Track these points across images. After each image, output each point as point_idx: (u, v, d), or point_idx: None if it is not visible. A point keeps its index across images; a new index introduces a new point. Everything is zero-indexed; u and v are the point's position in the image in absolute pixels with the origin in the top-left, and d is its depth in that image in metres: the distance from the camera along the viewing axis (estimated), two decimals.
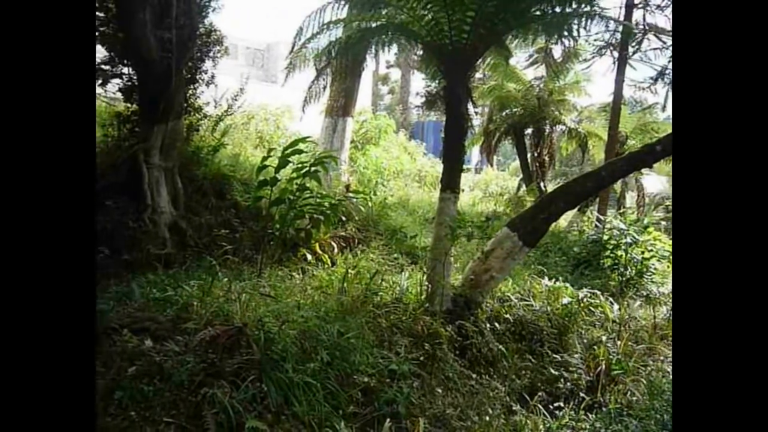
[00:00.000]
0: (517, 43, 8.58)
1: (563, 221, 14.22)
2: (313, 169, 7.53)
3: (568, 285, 7.71)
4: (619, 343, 6.53)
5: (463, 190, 9.77)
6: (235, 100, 11.51)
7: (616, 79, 13.24)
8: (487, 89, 16.37)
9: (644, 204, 17.36)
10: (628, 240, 9.66)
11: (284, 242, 8.33)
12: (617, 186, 16.33)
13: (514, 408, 5.04)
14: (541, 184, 16.54)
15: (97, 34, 9.42)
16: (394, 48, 7.72)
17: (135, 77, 9.54)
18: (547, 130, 17.14)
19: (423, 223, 12.57)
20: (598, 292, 7.70)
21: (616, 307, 7.66)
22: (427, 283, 6.48)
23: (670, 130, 10.50)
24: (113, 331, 4.45)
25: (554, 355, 6.22)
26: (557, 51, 16.32)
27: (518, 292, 7.42)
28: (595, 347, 6.38)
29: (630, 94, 17.49)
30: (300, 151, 7.59)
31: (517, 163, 21.48)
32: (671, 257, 9.79)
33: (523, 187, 17.44)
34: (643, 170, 15.59)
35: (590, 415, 4.94)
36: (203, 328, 4.32)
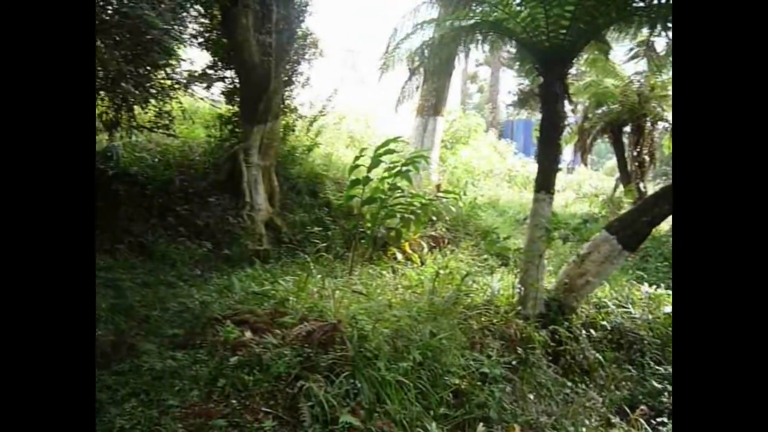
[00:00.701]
0: (617, 36, 8.19)
1: (665, 224, 13.42)
2: (404, 168, 7.57)
3: (671, 293, 7.27)
4: None
5: (557, 191, 9.47)
6: (329, 101, 11.79)
7: None
8: (584, 86, 15.73)
9: None
10: None
11: (375, 241, 8.43)
12: None
13: (612, 420, 4.81)
14: (641, 185, 15.68)
15: (202, 40, 10.00)
16: (486, 46, 7.61)
17: (237, 80, 10.03)
18: (648, 128, 16.22)
19: (514, 224, 12.30)
20: None
21: None
22: (519, 285, 6.33)
23: None
24: (216, 322, 4.70)
25: (657, 367, 5.88)
26: (660, 44, 15.41)
27: (616, 299, 7.08)
28: None
29: None
30: (392, 151, 7.65)
31: (611, 162, 20.47)
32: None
33: (620, 188, 16.61)
34: None
35: None
36: (299, 323, 4.46)
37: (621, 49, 18.57)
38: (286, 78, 10.32)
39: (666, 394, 5.41)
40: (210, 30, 9.89)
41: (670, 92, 15.71)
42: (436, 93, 13.35)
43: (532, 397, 4.88)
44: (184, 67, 9.45)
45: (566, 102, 6.72)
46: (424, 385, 4.19)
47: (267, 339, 4.26)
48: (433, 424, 3.86)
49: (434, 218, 9.91)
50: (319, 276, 6.08)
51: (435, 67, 7.91)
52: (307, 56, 10.79)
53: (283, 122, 10.57)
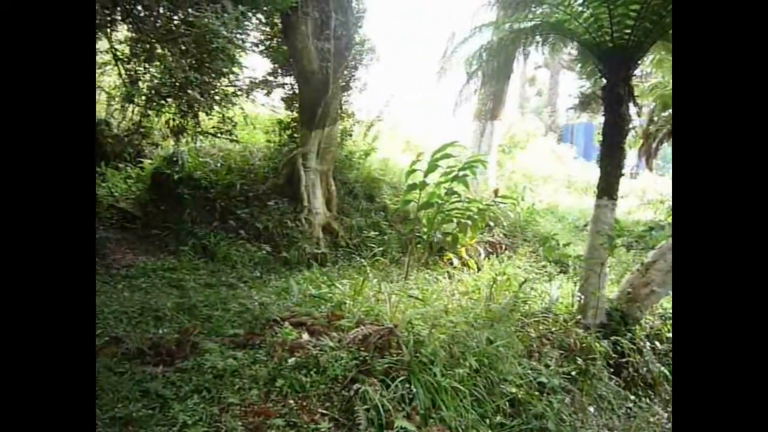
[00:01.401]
0: None
1: None
2: (461, 173, 7.52)
3: None
4: None
5: (620, 197, 9.16)
6: (386, 105, 11.86)
7: None
8: (649, 87, 15.19)
9: None
10: None
11: (431, 246, 8.40)
12: None
13: None
14: None
15: (263, 48, 10.27)
16: (546, 48, 7.47)
17: (296, 86, 10.24)
18: None
19: (573, 230, 11.99)
20: None
21: None
22: (579, 294, 6.16)
23: None
24: (275, 323, 4.80)
25: None
26: None
27: None
28: None
29: None
30: (449, 156, 7.61)
31: None
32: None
33: None
34: None
35: None
36: (355, 327, 4.49)
37: None
38: (344, 83, 10.45)
39: None
40: (271, 38, 10.15)
41: None
42: (494, 97, 13.20)
43: (592, 409, 4.73)
44: (246, 74, 9.73)
45: (631, 104, 6.50)
46: (480, 392, 4.14)
47: (324, 341, 4.31)
48: None
49: (491, 224, 9.79)
50: (376, 280, 6.10)
51: (493, 70, 7.83)
52: (364, 62, 10.89)
53: (341, 127, 10.70)
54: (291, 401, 3.70)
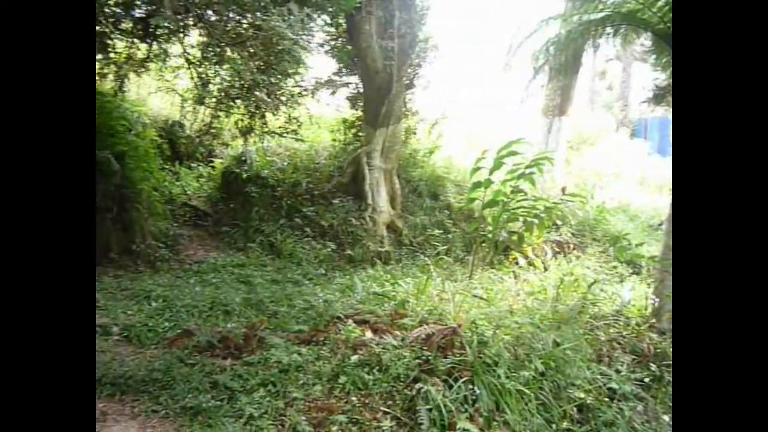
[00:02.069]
0: None
1: None
2: (527, 170, 7.34)
3: None
4: None
5: None
6: (450, 103, 11.76)
7: None
8: None
9: None
10: None
11: (496, 245, 8.26)
12: None
13: None
14: None
15: (328, 48, 10.41)
16: (618, 40, 7.17)
17: (360, 85, 10.32)
18: None
19: (647, 230, 11.47)
20: None
21: None
22: (653, 296, 5.88)
23: None
24: (339, 320, 4.85)
25: None
26: None
27: None
28: None
29: None
30: (514, 153, 7.45)
31: None
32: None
33: None
34: None
35: None
36: (419, 326, 4.47)
37: None
38: (408, 81, 10.43)
39: None
40: (335, 38, 10.27)
41: None
42: (562, 91, 12.82)
43: (666, 418, 4.50)
44: (311, 74, 9.89)
45: None
46: (546, 396, 4.02)
47: (387, 340, 4.32)
48: None
49: (559, 222, 9.51)
50: (439, 279, 6.06)
51: (560, 64, 7.58)
52: (428, 59, 10.84)
53: (405, 125, 10.70)
54: (354, 398, 3.72)
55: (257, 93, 7.29)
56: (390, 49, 9.33)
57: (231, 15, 6.94)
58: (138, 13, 7.41)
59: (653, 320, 5.61)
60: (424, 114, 11.57)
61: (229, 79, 7.75)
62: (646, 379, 4.75)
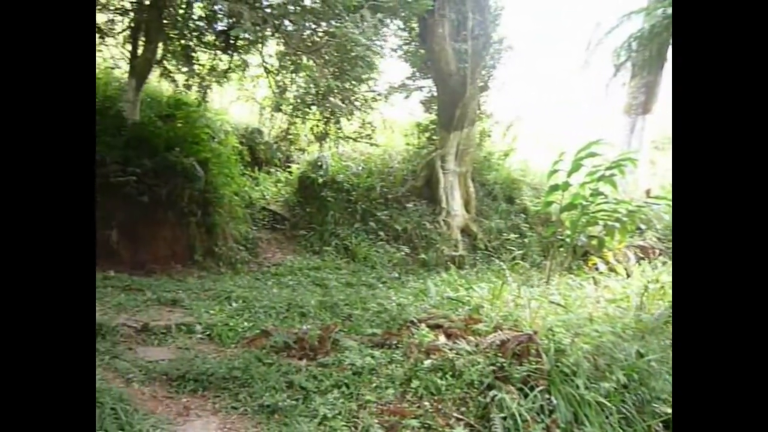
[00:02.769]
0: None
1: None
2: (608, 172, 7.04)
3: None
4: None
5: None
6: (526, 105, 11.51)
7: None
8: None
9: None
10: None
11: (574, 249, 7.98)
12: None
13: None
14: None
15: (401, 52, 10.46)
16: None
17: (434, 89, 10.30)
18: None
19: None
20: None
21: None
22: None
23: None
24: (412, 324, 4.84)
25: None
26: None
27: None
28: None
29: None
30: (594, 154, 7.17)
31: None
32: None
33: None
34: None
35: None
36: (493, 331, 4.38)
37: None
38: (482, 84, 10.31)
39: None
40: (408, 42, 10.31)
41: None
42: (646, 89, 12.21)
43: None
44: (385, 79, 9.98)
45: None
46: (628, 410, 3.82)
47: (460, 345, 4.26)
48: None
49: (643, 226, 9.06)
50: (515, 284, 5.92)
51: (644, 60, 7.27)
52: (502, 61, 10.67)
53: (479, 128, 10.57)
54: (426, 403, 3.69)
55: (332, 99, 7.44)
56: (463, 52, 9.26)
57: (306, 24, 7.12)
58: (220, 26, 7.75)
59: None
60: (498, 116, 11.39)
61: (304, 86, 7.96)
62: None
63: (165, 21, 7.38)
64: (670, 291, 5.89)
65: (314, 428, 3.31)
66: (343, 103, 7.73)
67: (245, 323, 5.03)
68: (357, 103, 8.13)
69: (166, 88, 9.35)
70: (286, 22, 7.03)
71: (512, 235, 9.08)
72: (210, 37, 8.03)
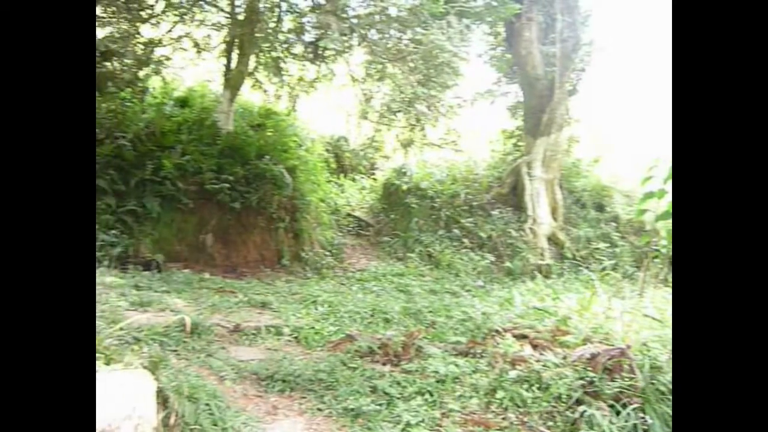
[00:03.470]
0: None
1: None
2: None
3: None
4: None
5: None
6: (617, 108, 11.04)
7: None
8: None
9: None
10: None
11: (671, 260, 7.53)
12: None
13: None
14: None
15: (487, 58, 10.35)
16: None
17: (520, 94, 10.10)
18: None
19: None
20: None
21: None
22: None
23: None
24: (497, 333, 4.74)
25: None
26: None
27: None
28: None
29: None
30: None
31: None
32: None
33: None
34: None
35: None
36: (582, 344, 4.21)
37: None
38: (571, 87, 9.99)
39: None
40: (494, 47, 10.19)
41: None
42: None
43: None
44: (470, 85, 9.90)
45: None
46: None
47: (547, 357, 4.13)
48: None
49: None
50: (605, 296, 5.67)
51: None
52: (592, 63, 10.29)
53: (568, 133, 10.25)
54: (511, 415, 3.61)
55: (417, 106, 7.49)
56: (552, 55, 9.02)
57: (392, 32, 7.21)
58: (308, 37, 8.01)
59: None
60: (588, 121, 10.98)
61: (390, 93, 8.05)
62: None
63: (257, 35, 7.72)
64: None
65: None
66: (429, 109, 7.75)
67: (331, 327, 5.13)
68: (442, 110, 8.12)
69: (257, 98, 9.77)
70: (373, 32, 7.15)
71: (602, 245, 8.72)
72: (299, 49, 8.32)
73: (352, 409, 3.52)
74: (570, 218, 9.59)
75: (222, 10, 8.30)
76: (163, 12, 7.64)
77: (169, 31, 7.80)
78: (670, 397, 3.62)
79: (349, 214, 10.03)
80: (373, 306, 5.77)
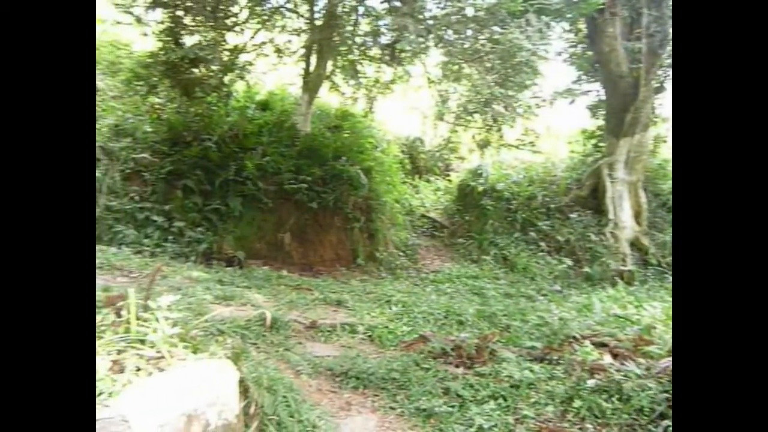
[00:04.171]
0: None
1: None
2: None
3: None
4: None
5: None
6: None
7: None
8: None
9: None
10: None
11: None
12: None
13: None
14: None
15: (567, 56, 10.05)
16: None
17: (602, 93, 9.74)
18: None
19: None
20: None
21: None
22: None
23: None
24: (574, 340, 4.60)
25: None
26: None
27: None
28: None
29: None
30: None
31: None
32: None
33: None
34: None
35: None
36: (667, 355, 4.01)
37: None
38: (657, 85, 9.52)
39: None
40: (575, 45, 9.88)
41: None
42: None
43: None
44: (549, 84, 9.66)
45: None
46: None
47: (629, 367, 3.96)
48: None
49: None
50: None
51: None
52: None
53: (653, 133, 9.78)
54: (589, 425, 3.49)
55: (494, 106, 7.38)
56: (637, 51, 8.63)
57: (469, 32, 7.15)
58: (384, 40, 8.09)
59: None
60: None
61: (466, 94, 7.99)
62: None
63: (335, 39, 7.88)
64: None
65: None
66: (506, 110, 7.62)
67: (404, 327, 5.16)
68: (519, 110, 7.96)
69: (334, 101, 9.97)
70: (449, 32, 7.12)
71: None
72: (375, 51, 8.41)
73: (425, 410, 3.53)
74: (655, 222, 9.15)
75: (302, 16, 8.54)
76: (247, 20, 7.95)
77: (252, 37, 8.10)
78: None
79: (423, 216, 10.04)
80: (447, 307, 5.74)
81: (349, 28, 8.14)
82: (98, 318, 2.94)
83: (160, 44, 7.24)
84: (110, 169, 6.79)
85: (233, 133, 7.92)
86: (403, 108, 11.02)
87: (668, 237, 8.69)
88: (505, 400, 3.70)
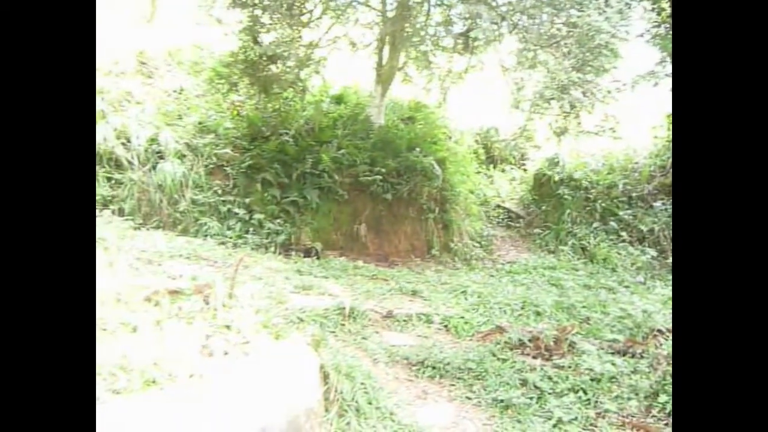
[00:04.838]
0: None
1: None
2: None
3: None
4: None
5: None
6: None
7: None
8: None
9: None
10: None
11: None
12: None
13: None
14: None
15: (649, 37, 9.55)
16: None
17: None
18: None
19: None
20: None
21: None
22: None
23: None
24: (660, 334, 4.43)
25: None
26: None
27: None
28: None
29: None
30: None
31: None
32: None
33: None
34: None
35: None
36: None
37: None
38: None
39: None
40: (657, 24, 9.37)
41: None
42: None
43: None
44: (629, 67, 9.22)
45: None
46: None
47: None
48: None
49: None
50: None
51: None
52: None
53: None
54: None
55: (572, 92, 7.15)
56: None
57: (544, 17, 6.96)
58: (457, 29, 8.01)
59: None
60: None
61: (542, 81, 7.78)
62: None
63: (408, 30, 7.89)
64: None
65: (548, 430, 3.26)
66: (584, 95, 7.36)
67: (480, 317, 5.14)
68: (599, 95, 7.65)
69: (407, 92, 10.00)
70: (524, 18, 6.97)
71: None
72: (448, 41, 8.35)
73: (502, 401, 3.52)
74: None
75: (374, 9, 8.60)
76: (321, 15, 8.10)
77: (326, 32, 8.25)
78: None
79: (498, 206, 9.90)
80: (524, 298, 5.66)
81: (422, 18, 8.12)
82: (188, 305, 3.13)
83: (240, 43, 7.51)
84: (195, 164, 7.14)
85: (309, 127, 8.12)
86: (477, 98, 10.88)
87: None
88: (586, 393, 3.63)
